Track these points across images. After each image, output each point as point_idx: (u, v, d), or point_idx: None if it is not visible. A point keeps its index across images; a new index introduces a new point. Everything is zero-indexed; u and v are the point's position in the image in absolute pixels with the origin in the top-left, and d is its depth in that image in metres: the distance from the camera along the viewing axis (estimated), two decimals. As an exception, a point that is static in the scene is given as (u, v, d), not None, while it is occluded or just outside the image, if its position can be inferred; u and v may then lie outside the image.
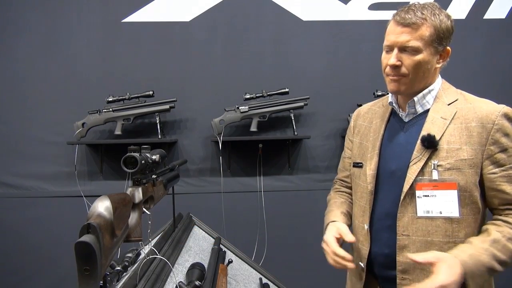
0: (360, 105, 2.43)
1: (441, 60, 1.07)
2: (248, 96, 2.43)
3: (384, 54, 1.09)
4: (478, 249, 0.95)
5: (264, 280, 1.74)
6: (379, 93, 2.41)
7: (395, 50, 1.03)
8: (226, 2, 2.62)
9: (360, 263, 1.14)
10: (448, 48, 1.06)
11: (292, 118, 2.45)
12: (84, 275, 0.61)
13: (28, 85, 2.56)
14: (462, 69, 2.57)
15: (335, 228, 1.11)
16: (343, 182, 1.33)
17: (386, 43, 1.07)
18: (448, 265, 0.89)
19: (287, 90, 2.41)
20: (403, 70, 1.04)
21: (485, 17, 2.68)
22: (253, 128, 2.45)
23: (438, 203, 1.01)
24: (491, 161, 0.99)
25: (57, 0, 2.57)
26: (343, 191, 1.32)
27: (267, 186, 2.60)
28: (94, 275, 0.62)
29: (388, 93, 1.18)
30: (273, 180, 2.63)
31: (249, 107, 2.44)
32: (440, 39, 1.03)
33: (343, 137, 2.59)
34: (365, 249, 1.13)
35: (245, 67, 2.63)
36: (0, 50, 2.55)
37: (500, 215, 1.02)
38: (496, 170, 0.99)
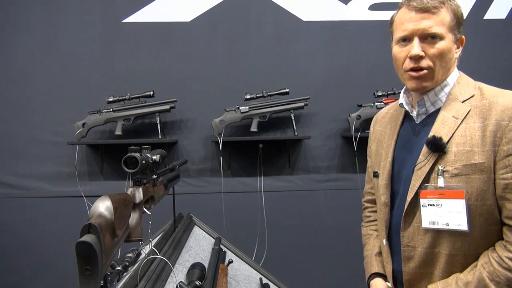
0: (361, 105, 2.48)
1: (457, 50, 0.97)
2: (249, 96, 2.43)
3: (397, 48, 0.96)
4: None
5: (265, 280, 1.74)
6: (379, 93, 2.42)
7: (416, 40, 0.91)
8: (226, 2, 2.62)
9: (387, 282, 1.06)
10: (463, 36, 0.97)
11: (293, 118, 2.45)
12: (85, 275, 0.61)
13: (28, 85, 2.56)
14: (462, 69, 2.55)
15: None
16: (371, 198, 1.23)
17: (401, 33, 0.94)
18: None
19: (287, 90, 2.41)
20: (427, 62, 0.92)
21: (485, 17, 2.68)
22: (254, 128, 2.45)
23: (445, 213, 0.89)
24: (503, 165, 0.85)
25: (57, 0, 2.57)
26: (373, 220, 1.21)
27: (267, 186, 2.60)
28: (95, 275, 0.62)
29: (399, 94, 1.08)
30: (274, 180, 2.63)
31: (250, 107, 2.44)
32: (459, 24, 0.94)
33: (344, 137, 2.61)
34: (388, 266, 1.04)
35: (245, 67, 2.63)
36: (0, 50, 2.55)
37: (504, 233, 0.87)
38: (508, 175, 0.84)
